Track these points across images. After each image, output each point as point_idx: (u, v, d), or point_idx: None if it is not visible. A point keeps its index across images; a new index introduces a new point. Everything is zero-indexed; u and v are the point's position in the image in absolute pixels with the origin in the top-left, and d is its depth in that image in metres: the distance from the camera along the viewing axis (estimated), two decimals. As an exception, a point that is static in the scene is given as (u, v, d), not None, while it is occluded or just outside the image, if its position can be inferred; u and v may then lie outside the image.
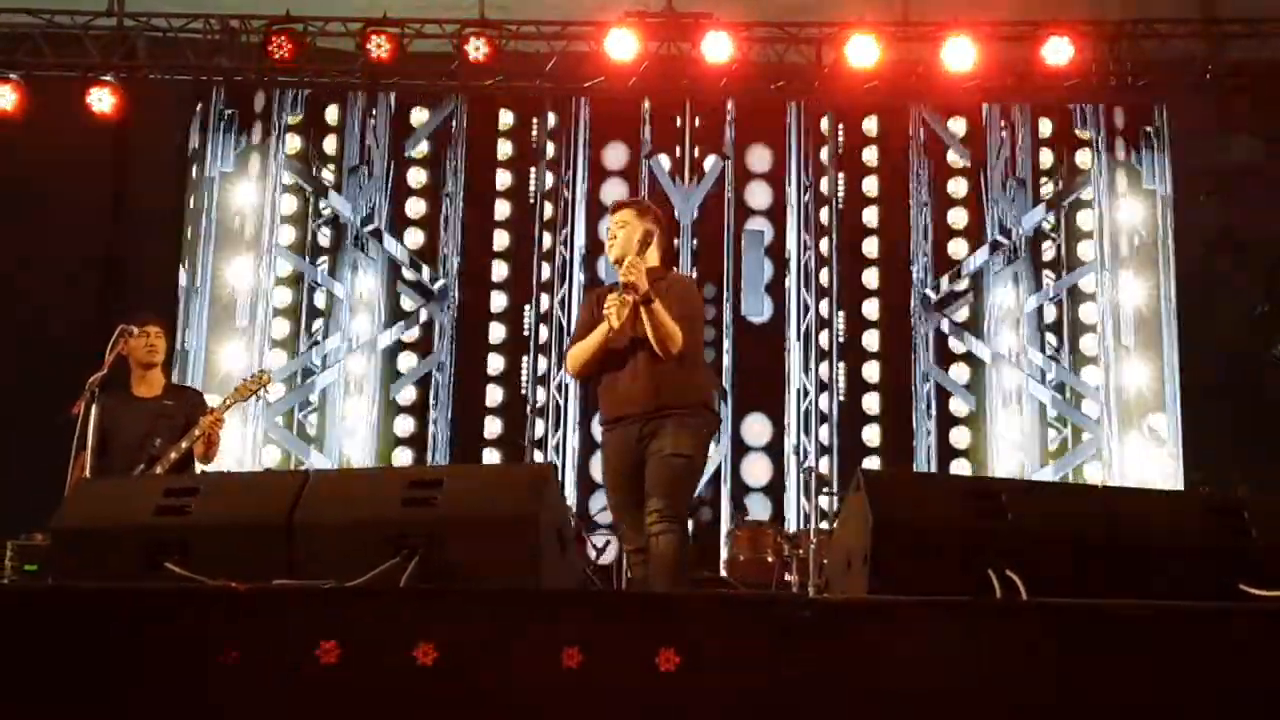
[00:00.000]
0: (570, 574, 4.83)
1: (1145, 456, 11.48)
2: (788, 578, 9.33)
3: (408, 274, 12.14)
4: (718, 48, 10.68)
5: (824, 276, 12.11)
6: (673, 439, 5.87)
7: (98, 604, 4.00)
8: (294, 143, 12.13)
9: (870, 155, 12.32)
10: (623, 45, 10.70)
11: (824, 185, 12.22)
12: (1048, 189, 12.04)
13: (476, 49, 10.77)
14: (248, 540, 4.40)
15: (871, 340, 12.04)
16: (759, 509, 11.55)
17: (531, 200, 12.28)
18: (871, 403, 11.93)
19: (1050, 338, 11.90)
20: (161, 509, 4.54)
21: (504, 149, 12.38)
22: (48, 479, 6.70)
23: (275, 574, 4.21)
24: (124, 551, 4.44)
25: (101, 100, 10.99)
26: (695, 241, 12.19)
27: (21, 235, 10.91)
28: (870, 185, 12.28)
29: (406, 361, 12.08)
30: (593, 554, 9.83)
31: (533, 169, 12.31)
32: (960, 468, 11.61)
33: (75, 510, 4.84)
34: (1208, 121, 10.90)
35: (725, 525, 11.30)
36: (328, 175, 12.18)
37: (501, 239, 12.27)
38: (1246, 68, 10.78)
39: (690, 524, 6.28)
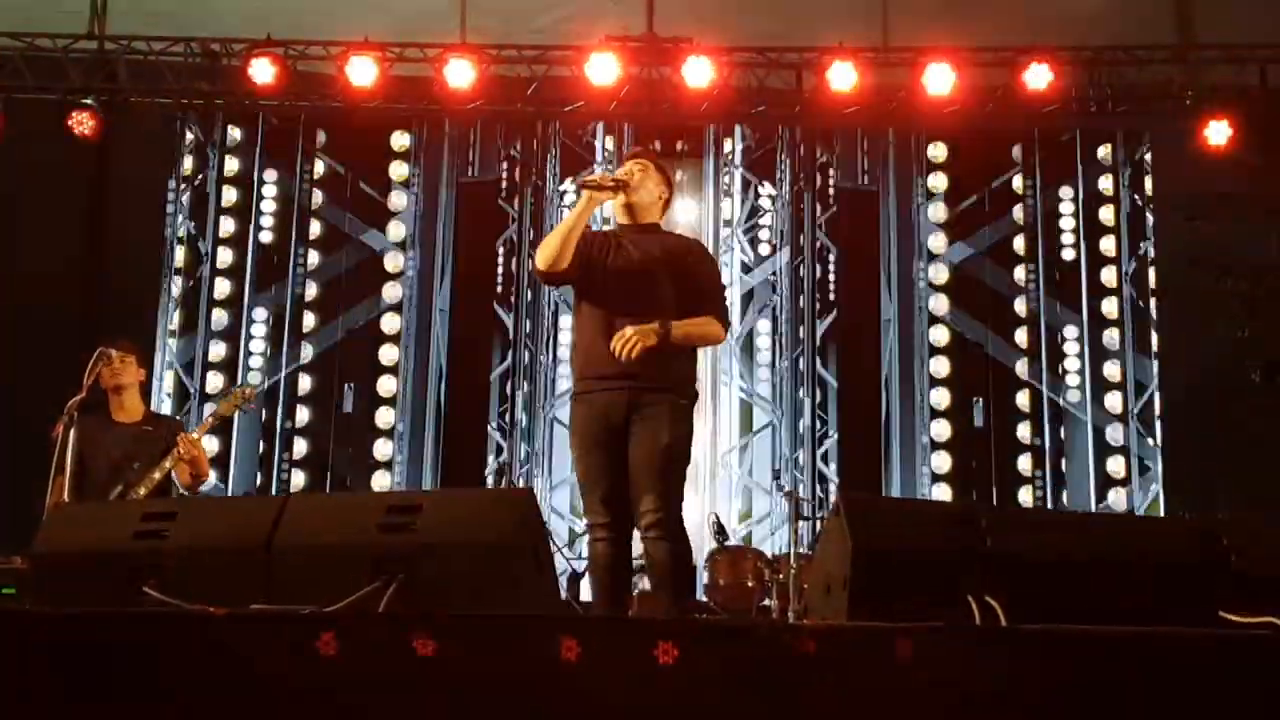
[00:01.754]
0: (548, 597, 4.81)
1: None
2: (767, 602, 9.33)
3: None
4: (698, 72, 10.70)
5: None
6: (668, 425, 5.52)
7: (75, 628, 3.97)
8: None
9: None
10: (604, 70, 10.71)
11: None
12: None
13: (457, 73, 10.76)
14: (226, 564, 4.37)
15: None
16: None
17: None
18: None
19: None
20: (140, 533, 4.51)
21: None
22: (26, 502, 6.67)
23: (254, 598, 4.19)
24: (102, 576, 4.41)
25: (82, 124, 10.99)
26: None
27: (1, 258, 10.87)
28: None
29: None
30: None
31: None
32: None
33: (53, 534, 4.81)
34: (1188, 146, 10.95)
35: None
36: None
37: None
38: (1225, 92, 10.86)
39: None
